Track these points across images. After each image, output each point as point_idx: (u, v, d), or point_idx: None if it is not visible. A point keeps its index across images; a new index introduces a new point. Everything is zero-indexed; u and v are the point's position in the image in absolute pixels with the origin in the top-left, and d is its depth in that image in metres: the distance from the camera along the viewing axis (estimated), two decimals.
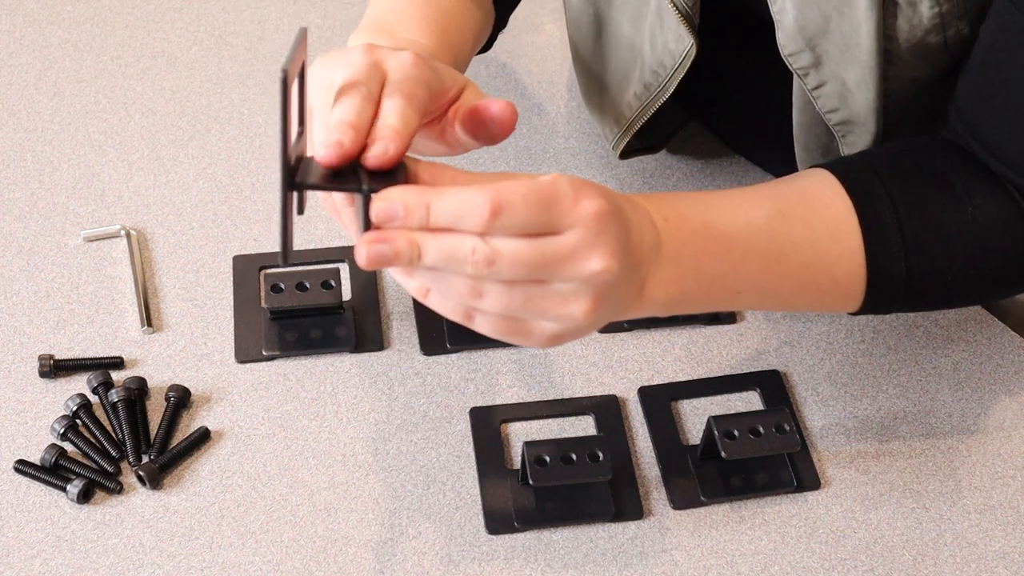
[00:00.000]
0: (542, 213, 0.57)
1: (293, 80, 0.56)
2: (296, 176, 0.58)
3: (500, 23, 0.90)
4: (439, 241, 0.57)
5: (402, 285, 0.61)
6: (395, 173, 0.58)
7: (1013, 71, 0.72)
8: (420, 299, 0.61)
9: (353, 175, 0.58)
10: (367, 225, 0.58)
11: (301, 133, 0.60)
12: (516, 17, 1.15)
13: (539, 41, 1.14)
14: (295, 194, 0.59)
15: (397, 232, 0.56)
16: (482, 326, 0.61)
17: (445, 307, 0.60)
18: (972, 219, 0.73)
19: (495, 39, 0.91)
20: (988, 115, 0.74)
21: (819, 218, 0.72)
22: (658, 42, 0.85)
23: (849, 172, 0.74)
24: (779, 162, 0.96)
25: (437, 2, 0.80)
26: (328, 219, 0.96)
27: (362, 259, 0.56)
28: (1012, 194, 0.74)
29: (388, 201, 0.56)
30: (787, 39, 0.78)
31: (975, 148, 0.75)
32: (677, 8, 0.80)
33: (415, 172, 0.59)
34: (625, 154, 0.95)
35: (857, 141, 0.81)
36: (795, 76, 0.80)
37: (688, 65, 0.84)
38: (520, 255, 0.57)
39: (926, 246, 0.73)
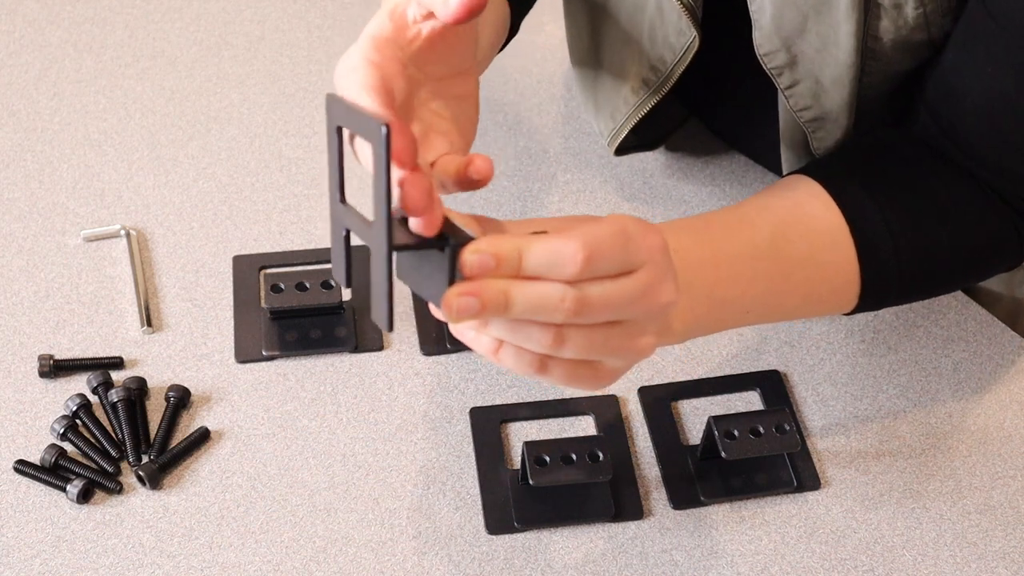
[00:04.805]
0: (623, 253, 0.57)
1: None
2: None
3: (513, 29, 0.85)
4: (528, 290, 0.55)
5: (471, 345, 0.59)
6: (454, 226, 0.57)
7: (986, 74, 0.73)
8: (490, 356, 0.59)
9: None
10: (452, 279, 0.56)
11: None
12: None
13: (539, 41, 1.14)
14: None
15: (486, 283, 0.55)
16: (555, 373, 0.59)
17: (519, 359, 0.59)
18: (951, 214, 0.77)
19: (506, 46, 0.87)
20: (962, 116, 0.76)
21: (815, 232, 0.75)
22: (658, 36, 0.85)
23: (833, 180, 0.77)
24: (777, 159, 0.96)
25: None
26: (328, 219, 0.96)
27: (452, 313, 0.55)
28: (984, 189, 0.77)
29: (480, 254, 0.55)
30: (763, 38, 0.79)
31: (948, 147, 0.77)
32: (682, 1, 0.81)
33: (468, 226, 0.58)
34: (621, 150, 0.95)
35: (827, 136, 0.83)
36: (770, 76, 0.81)
37: (690, 58, 0.84)
38: (608, 297, 0.57)
39: (914, 246, 0.76)
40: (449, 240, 0.56)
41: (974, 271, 0.82)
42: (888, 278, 0.76)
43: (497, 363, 0.59)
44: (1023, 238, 0.79)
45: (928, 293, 0.81)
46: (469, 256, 0.55)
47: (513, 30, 0.85)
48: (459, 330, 0.59)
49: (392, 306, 0.54)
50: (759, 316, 0.75)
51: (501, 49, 0.85)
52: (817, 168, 0.79)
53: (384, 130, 0.51)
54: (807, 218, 0.75)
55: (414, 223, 0.56)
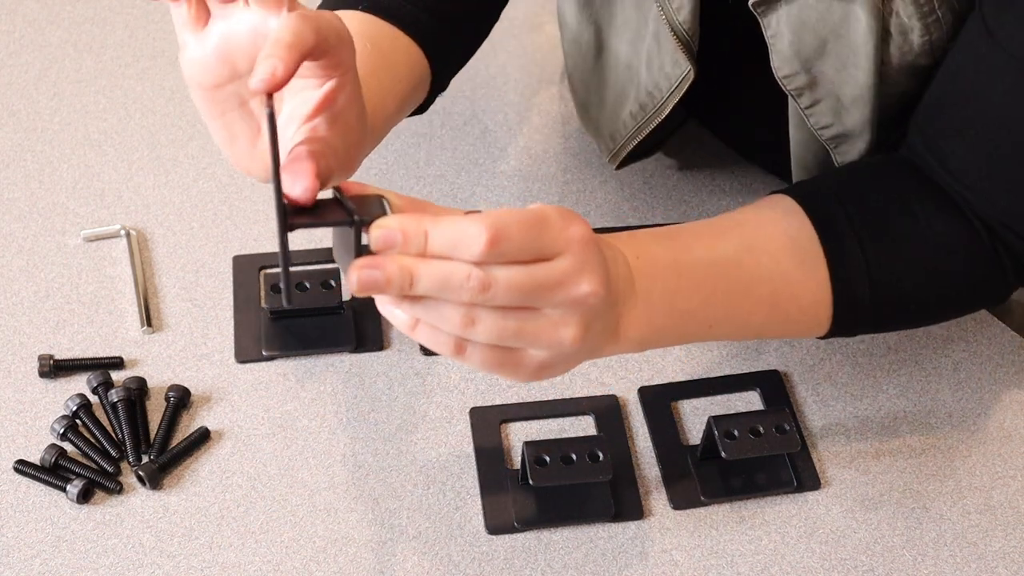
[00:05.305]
0: (536, 240, 0.57)
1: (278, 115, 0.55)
2: (288, 216, 0.57)
3: (438, 87, 0.83)
4: (433, 268, 0.56)
5: (390, 319, 0.60)
6: (380, 205, 0.58)
7: (984, 101, 0.72)
8: (408, 332, 0.59)
9: (340, 208, 0.58)
10: (358, 254, 0.57)
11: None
12: (516, 17, 1.15)
13: (539, 41, 1.14)
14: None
15: (389, 258, 0.56)
16: (473, 358, 0.60)
17: (435, 339, 0.59)
18: (933, 244, 0.75)
19: (432, 102, 0.84)
20: (955, 142, 0.75)
21: (785, 249, 0.73)
22: (655, 64, 0.85)
23: (812, 200, 0.75)
24: (779, 168, 0.96)
25: (376, 45, 0.76)
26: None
27: (354, 285, 0.56)
28: (970, 219, 0.75)
29: (386, 229, 0.56)
30: (782, 62, 0.78)
31: (938, 173, 0.75)
32: (676, 35, 0.80)
33: (399, 207, 0.59)
34: (621, 164, 0.95)
35: (851, 150, 0.82)
36: (789, 96, 0.80)
37: (684, 90, 0.84)
38: (515, 280, 0.57)
39: (889, 272, 0.74)
40: (355, 217, 0.57)
41: (954, 303, 0.79)
42: (860, 305, 0.74)
43: (416, 339, 0.60)
44: (1010, 271, 0.77)
45: (905, 320, 0.79)
46: (375, 231, 0.56)
47: (441, 88, 0.83)
48: (381, 306, 0.59)
49: (289, 282, 0.57)
50: (725, 331, 0.74)
51: (419, 112, 0.83)
52: (800, 188, 0.78)
53: (268, 110, 0.53)
54: (779, 235, 0.74)
55: (296, 192, 0.57)
